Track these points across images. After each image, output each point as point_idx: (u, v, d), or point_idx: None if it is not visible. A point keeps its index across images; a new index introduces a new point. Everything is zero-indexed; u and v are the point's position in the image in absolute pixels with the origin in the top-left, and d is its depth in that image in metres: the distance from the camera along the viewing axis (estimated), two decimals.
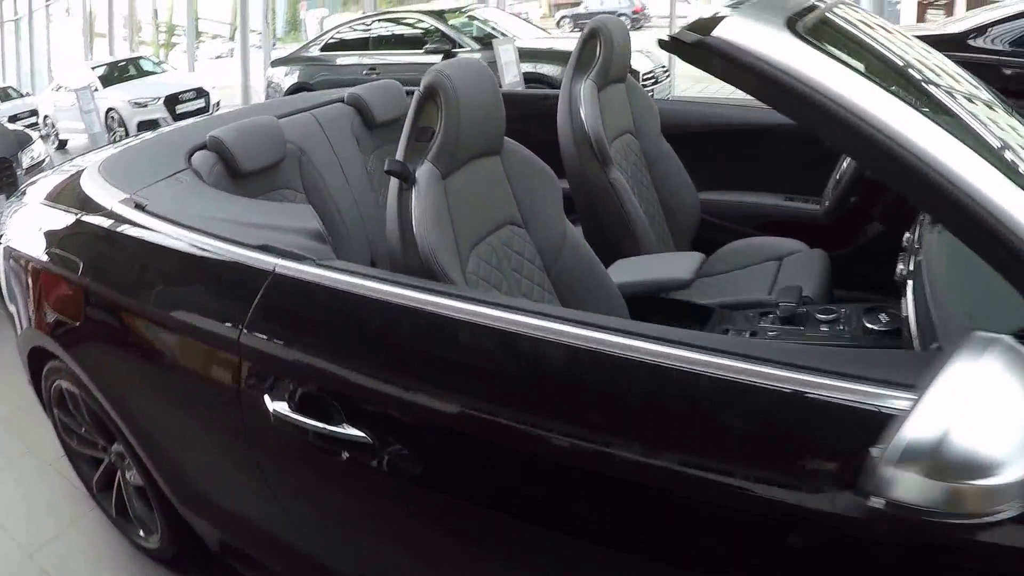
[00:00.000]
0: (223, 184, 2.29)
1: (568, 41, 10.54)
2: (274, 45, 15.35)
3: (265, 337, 1.48)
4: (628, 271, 2.27)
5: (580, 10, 26.24)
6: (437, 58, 8.57)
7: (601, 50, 2.65)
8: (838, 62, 1.14)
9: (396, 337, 1.38)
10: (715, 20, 1.16)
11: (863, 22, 1.57)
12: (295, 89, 9.80)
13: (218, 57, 23.68)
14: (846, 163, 2.57)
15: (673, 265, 2.28)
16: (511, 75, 7.38)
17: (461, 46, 8.69)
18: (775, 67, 1.10)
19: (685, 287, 2.21)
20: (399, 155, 1.67)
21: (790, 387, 1.08)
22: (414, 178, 1.63)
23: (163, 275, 1.77)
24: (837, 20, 1.42)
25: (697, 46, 1.12)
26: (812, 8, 1.35)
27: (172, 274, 1.75)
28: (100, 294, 1.87)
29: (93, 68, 12.88)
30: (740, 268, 2.78)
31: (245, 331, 1.49)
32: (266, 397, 1.46)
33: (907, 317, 1.67)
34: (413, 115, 1.68)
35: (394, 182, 1.65)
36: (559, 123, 2.62)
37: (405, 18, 9.83)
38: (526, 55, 7.91)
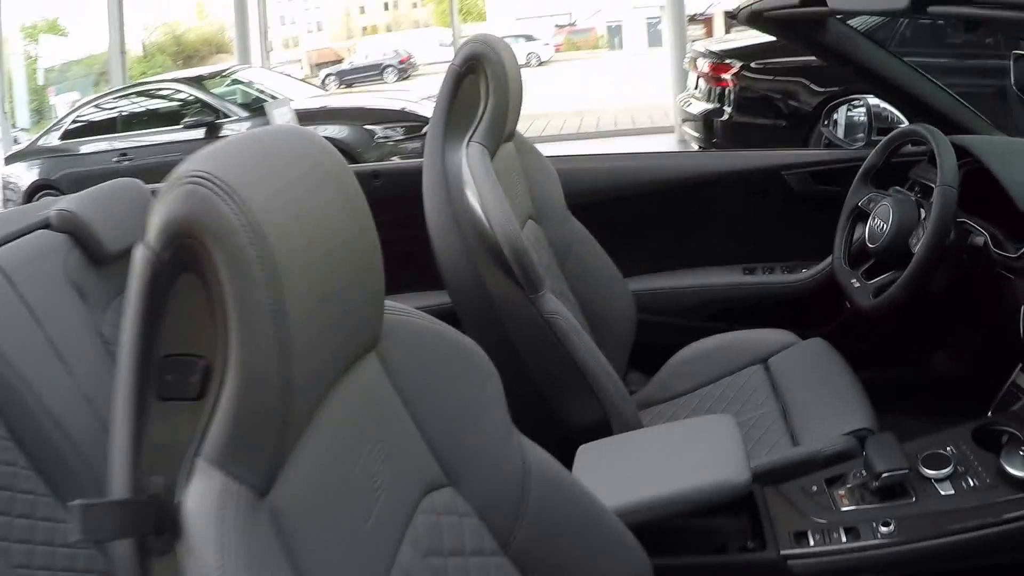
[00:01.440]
0: None
1: (348, 97, 9.55)
2: (15, 140, 13.59)
3: None
4: (620, 477, 1.27)
5: (344, 66, 25.23)
6: (199, 132, 7.31)
7: (489, 90, 1.62)
8: None
9: None
10: None
11: None
12: (36, 189, 8.18)
13: None
14: (880, 224, 1.69)
15: (705, 453, 1.30)
16: None
17: (226, 115, 7.48)
18: None
19: (744, 494, 1.24)
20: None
21: None
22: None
23: None
24: None
25: None
26: None
27: None
28: None
29: None
30: (712, 382, 1.90)
31: None
32: None
33: None
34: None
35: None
36: (430, 220, 1.57)
37: (159, 89, 8.40)
38: (304, 117, 6.87)
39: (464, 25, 24.32)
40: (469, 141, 1.59)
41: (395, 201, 1.87)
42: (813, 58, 4.90)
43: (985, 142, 1.87)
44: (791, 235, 2.22)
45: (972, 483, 1.41)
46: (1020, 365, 2.13)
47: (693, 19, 12.72)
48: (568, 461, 1.39)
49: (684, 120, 6.13)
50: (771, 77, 5.05)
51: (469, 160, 1.54)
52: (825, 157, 2.21)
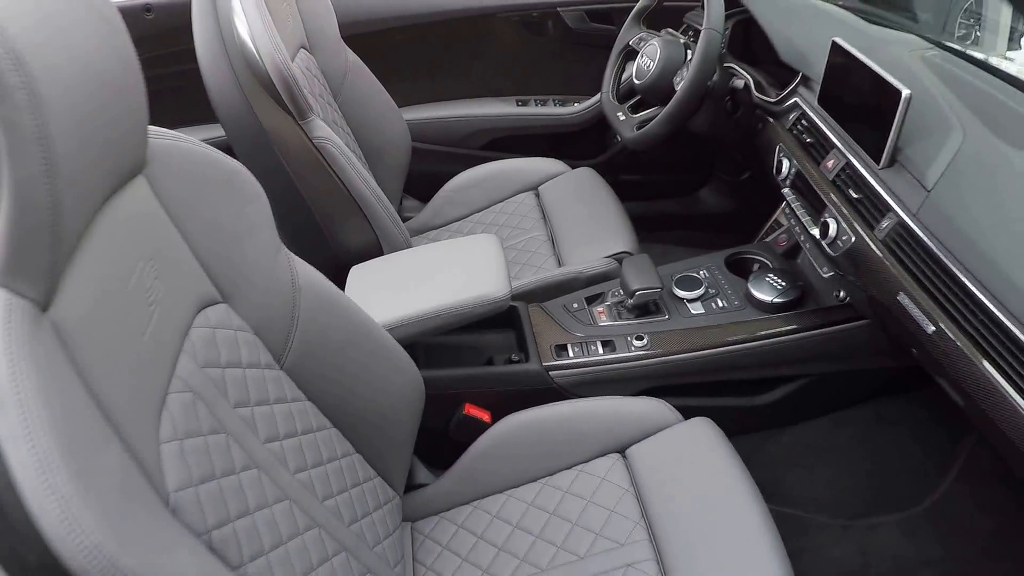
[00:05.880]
0: None
1: None
2: None
3: None
4: (387, 295, 1.35)
5: None
6: None
7: None
8: None
9: None
10: None
11: None
12: None
13: None
14: (648, 62, 1.79)
15: (468, 270, 1.38)
16: None
17: None
18: None
19: (503, 308, 1.34)
20: None
21: None
22: None
23: None
24: None
25: None
26: None
27: None
28: None
29: None
30: (484, 208, 1.99)
31: None
32: None
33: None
34: None
35: None
36: (200, 52, 1.46)
37: None
38: None
39: None
40: None
41: (169, 35, 1.81)
42: None
43: None
44: (564, 70, 2.27)
45: (721, 304, 1.56)
46: (784, 204, 2.31)
47: None
48: (343, 283, 1.42)
49: None
50: None
51: None
52: None
